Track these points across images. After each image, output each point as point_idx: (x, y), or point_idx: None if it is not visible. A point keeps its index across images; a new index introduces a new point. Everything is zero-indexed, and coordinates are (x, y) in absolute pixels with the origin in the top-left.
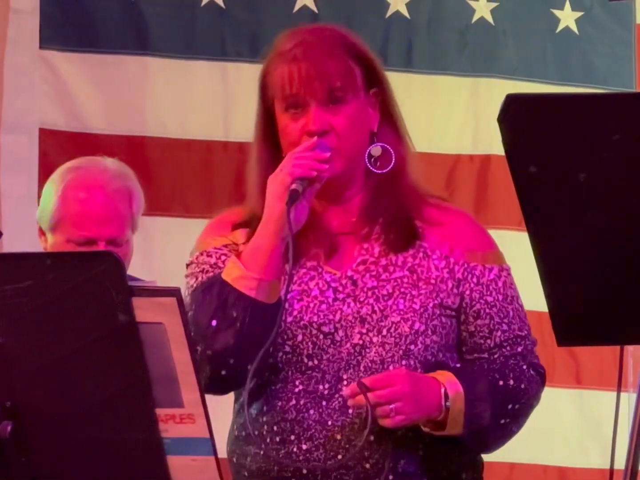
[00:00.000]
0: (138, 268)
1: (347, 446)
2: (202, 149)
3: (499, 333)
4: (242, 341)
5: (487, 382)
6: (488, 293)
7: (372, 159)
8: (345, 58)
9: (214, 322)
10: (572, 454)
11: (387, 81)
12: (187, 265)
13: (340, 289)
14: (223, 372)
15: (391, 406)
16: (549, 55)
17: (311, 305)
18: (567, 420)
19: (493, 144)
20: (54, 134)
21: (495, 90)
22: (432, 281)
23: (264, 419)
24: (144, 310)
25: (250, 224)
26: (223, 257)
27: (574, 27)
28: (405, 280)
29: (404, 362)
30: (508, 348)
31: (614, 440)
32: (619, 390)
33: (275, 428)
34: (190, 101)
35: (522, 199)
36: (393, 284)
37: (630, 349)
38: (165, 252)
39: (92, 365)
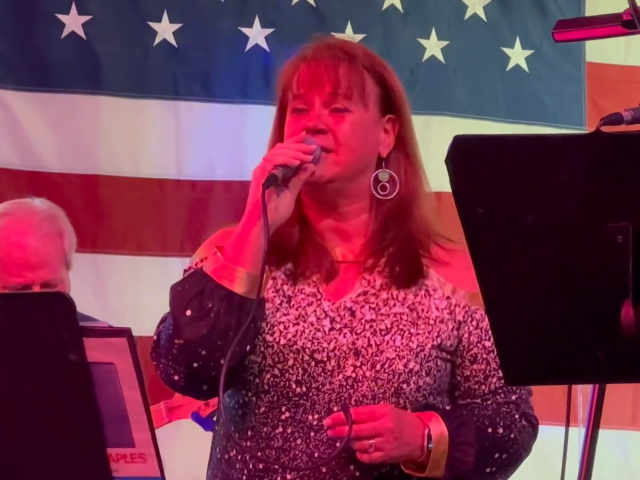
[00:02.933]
0: (91, 306)
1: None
2: (154, 188)
3: (494, 379)
4: (216, 333)
5: (475, 427)
6: (487, 338)
7: (380, 185)
8: (360, 70)
9: (188, 312)
10: None
11: (407, 115)
12: (185, 272)
13: (338, 319)
14: (195, 365)
15: (370, 441)
16: (500, 93)
17: (306, 331)
18: None
19: (443, 181)
20: (7, 172)
21: (445, 128)
22: (432, 321)
23: (248, 444)
24: (95, 350)
25: None
26: None
27: (524, 65)
28: (405, 317)
29: (394, 400)
30: (502, 395)
31: (562, 476)
32: (567, 426)
33: (259, 454)
34: (142, 140)
35: (469, 239)
36: (392, 319)
37: (579, 385)
38: (117, 290)
39: (42, 406)
